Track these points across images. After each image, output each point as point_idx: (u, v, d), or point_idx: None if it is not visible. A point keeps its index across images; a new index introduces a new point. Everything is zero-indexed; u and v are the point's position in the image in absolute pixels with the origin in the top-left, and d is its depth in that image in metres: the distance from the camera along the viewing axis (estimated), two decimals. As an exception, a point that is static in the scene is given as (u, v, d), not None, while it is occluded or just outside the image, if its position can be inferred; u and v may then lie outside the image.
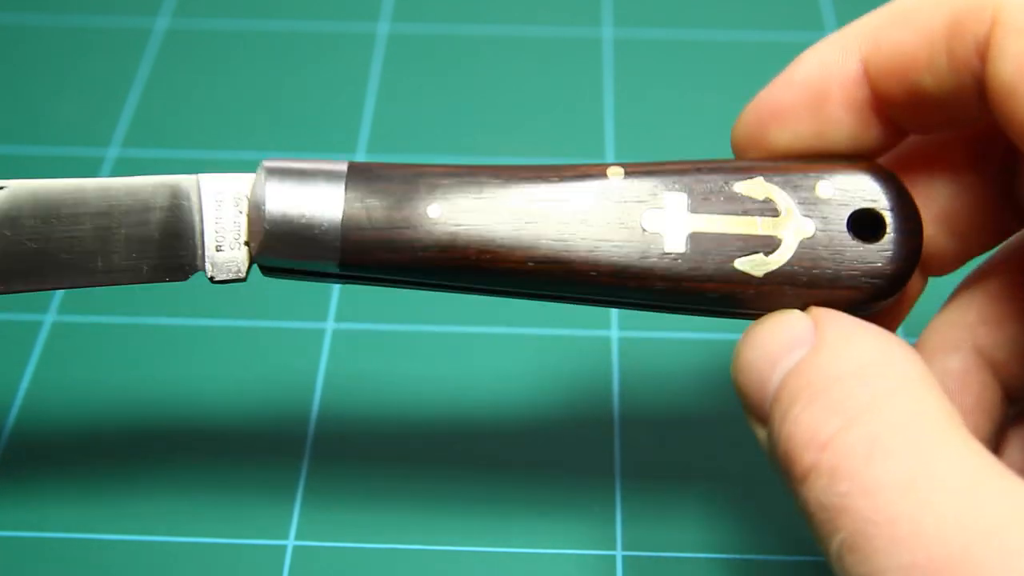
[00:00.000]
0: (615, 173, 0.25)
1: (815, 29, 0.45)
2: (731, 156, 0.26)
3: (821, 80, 0.25)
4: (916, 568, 0.19)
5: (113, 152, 0.41)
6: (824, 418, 0.21)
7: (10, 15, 0.46)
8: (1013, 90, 0.21)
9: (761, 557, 0.30)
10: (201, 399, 0.33)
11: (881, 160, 0.26)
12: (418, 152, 0.41)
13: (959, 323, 0.27)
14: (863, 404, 0.21)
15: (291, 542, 0.30)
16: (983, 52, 0.22)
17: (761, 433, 0.24)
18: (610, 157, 0.40)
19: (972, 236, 0.26)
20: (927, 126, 0.25)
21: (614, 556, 0.30)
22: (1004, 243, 0.27)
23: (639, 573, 0.29)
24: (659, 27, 0.46)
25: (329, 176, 0.25)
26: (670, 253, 0.25)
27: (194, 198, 0.25)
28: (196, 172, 0.25)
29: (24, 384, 0.34)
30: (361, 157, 0.40)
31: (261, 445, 0.32)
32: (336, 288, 0.36)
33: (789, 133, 0.25)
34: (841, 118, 0.25)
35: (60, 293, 0.36)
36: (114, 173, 0.40)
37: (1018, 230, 0.27)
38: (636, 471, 0.32)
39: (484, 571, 0.29)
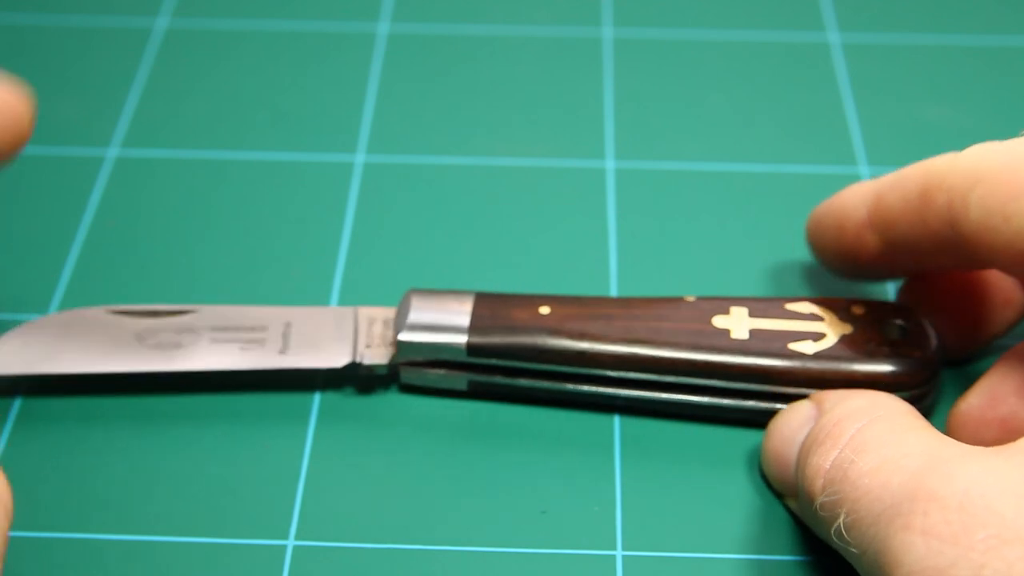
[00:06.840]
0: (689, 299, 0.32)
1: (815, 29, 0.45)
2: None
3: (842, 218, 0.32)
4: (889, 509, 0.24)
5: (113, 152, 0.41)
6: (826, 453, 0.27)
7: (10, 15, 0.46)
8: (983, 227, 0.27)
9: (761, 557, 0.30)
10: (201, 398, 0.33)
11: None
12: (418, 152, 0.41)
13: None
14: (852, 433, 0.26)
15: (291, 542, 0.30)
16: (945, 216, 0.28)
17: (792, 504, 0.30)
18: (610, 158, 0.40)
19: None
20: (916, 271, 0.32)
21: (614, 556, 0.30)
22: None
23: (639, 573, 0.29)
24: (659, 27, 0.46)
25: (459, 300, 0.32)
26: (736, 339, 0.31)
27: (352, 319, 0.33)
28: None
29: (23, 383, 0.34)
30: (361, 157, 0.40)
31: (260, 445, 0.32)
32: (337, 285, 0.36)
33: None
34: (856, 249, 0.31)
35: (59, 281, 0.36)
36: (114, 173, 0.40)
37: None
38: (636, 472, 0.32)
39: (484, 571, 0.29)
